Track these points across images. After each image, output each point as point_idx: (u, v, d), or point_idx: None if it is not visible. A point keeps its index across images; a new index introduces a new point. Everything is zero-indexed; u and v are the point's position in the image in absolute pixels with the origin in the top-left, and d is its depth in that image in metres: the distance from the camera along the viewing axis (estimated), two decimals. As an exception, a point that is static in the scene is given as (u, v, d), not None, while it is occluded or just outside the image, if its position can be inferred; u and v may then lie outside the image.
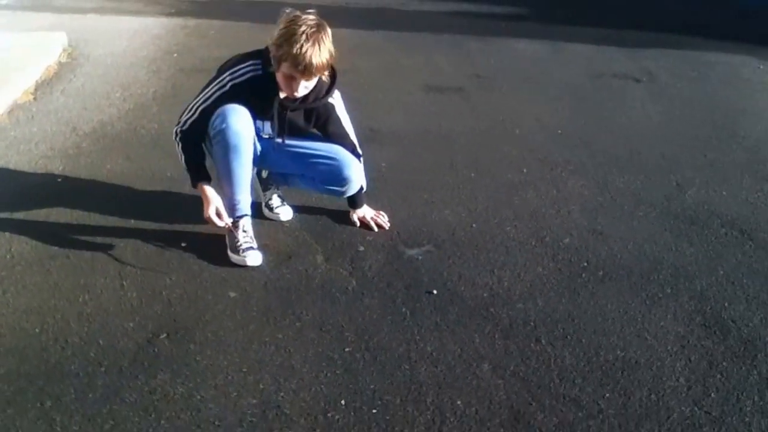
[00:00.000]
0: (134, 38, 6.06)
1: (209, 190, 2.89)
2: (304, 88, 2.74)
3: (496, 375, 2.42)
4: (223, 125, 2.79)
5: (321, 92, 2.87)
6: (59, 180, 3.60)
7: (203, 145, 2.92)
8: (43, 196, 3.43)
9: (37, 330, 2.53)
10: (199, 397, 2.27)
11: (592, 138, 4.46)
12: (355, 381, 2.36)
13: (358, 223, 3.27)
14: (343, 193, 3.10)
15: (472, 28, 6.93)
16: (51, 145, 3.93)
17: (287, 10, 2.71)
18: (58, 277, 2.82)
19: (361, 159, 3.11)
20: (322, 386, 2.34)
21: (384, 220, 3.28)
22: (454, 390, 2.35)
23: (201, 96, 2.84)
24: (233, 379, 2.34)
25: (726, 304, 2.85)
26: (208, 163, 2.95)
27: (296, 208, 3.34)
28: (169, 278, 2.84)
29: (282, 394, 2.30)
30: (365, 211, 3.26)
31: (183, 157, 2.90)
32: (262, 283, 2.84)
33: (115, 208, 3.35)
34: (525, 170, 3.96)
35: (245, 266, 2.92)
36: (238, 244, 2.92)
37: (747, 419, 2.28)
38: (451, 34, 6.69)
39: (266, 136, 2.98)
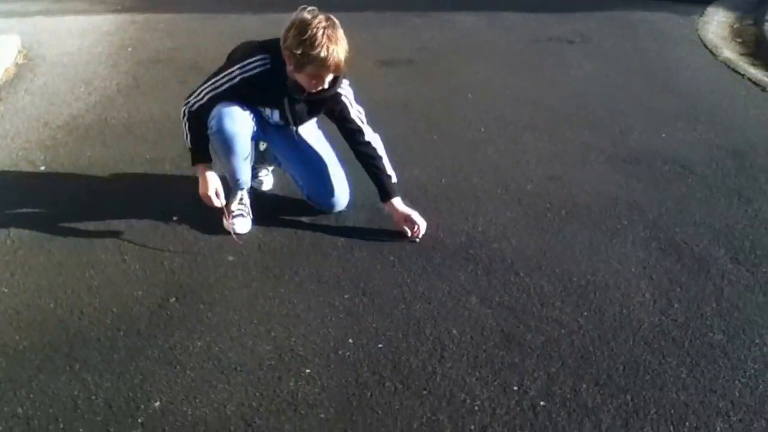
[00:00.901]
0: (86, 36, 6.12)
1: (209, 173, 3.04)
2: (328, 80, 2.84)
3: (484, 306, 2.68)
4: (218, 127, 2.92)
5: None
6: (42, 168, 3.72)
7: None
8: (30, 185, 3.57)
9: (51, 305, 2.68)
10: (217, 348, 2.46)
11: (539, 97, 4.76)
12: (358, 322, 2.59)
13: (394, 219, 3.13)
14: (324, 210, 3.28)
15: (412, 5, 7.17)
16: (27, 139, 4.04)
17: (300, 10, 2.76)
18: (60, 256, 2.96)
19: (379, 145, 3.14)
20: (329, 329, 2.56)
21: (419, 230, 3.10)
22: (448, 321, 2.59)
23: (211, 83, 2.95)
24: (246, 331, 2.55)
25: (677, 230, 3.17)
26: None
27: (275, 174, 3.54)
28: (167, 249, 3.01)
29: (293, 339, 2.51)
30: (400, 207, 3.10)
31: (189, 136, 3.03)
32: (256, 246, 3.04)
33: (102, 191, 3.51)
34: (482, 129, 4.23)
35: (236, 233, 3.09)
36: (232, 211, 3.10)
37: (708, 322, 2.59)
38: (392, 11, 6.92)
39: (274, 123, 3.11)
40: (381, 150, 3.08)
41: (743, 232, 3.14)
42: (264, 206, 3.28)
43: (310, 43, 2.64)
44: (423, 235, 3.09)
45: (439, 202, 3.37)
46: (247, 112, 2.97)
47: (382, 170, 3.07)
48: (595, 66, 5.41)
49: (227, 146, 2.96)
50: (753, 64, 5.65)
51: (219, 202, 3.04)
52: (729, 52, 5.90)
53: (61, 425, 2.14)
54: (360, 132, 3.05)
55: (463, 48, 5.88)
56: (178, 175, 3.61)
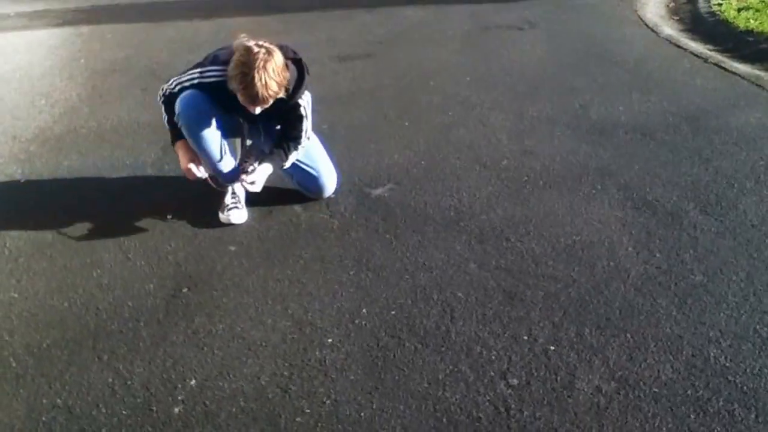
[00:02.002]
0: (33, 51, 6.15)
1: (187, 147, 3.18)
2: (259, 109, 2.96)
3: (483, 270, 2.86)
4: (179, 110, 3.05)
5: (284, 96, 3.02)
6: (22, 182, 3.77)
7: None
8: (13, 197, 3.65)
9: (66, 304, 2.77)
10: (239, 328, 2.59)
11: (498, 80, 4.99)
12: (368, 294, 2.74)
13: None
14: (315, 196, 3.41)
15: (359, 2, 7.35)
16: (-1, 154, 4.07)
17: (240, 37, 2.92)
18: (63, 260, 3.04)
19: (302, 145, 3.25)
20: (342, 302, 2.71)
21: (252, 189, 3.20)
22: (452, 286, 2.77)
23: (179, 77, 3.10)
24: (263, 311, 2.68)
25: (647, 190, 3.40)
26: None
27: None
28: (168, 245, 3.12)
29: (310, 314, 2.65)
30: (263, 169, 3.18)
31: (165, 117, 3.17)
32: (255, 235, 3.16)
33: (90, 197, 3.59)
34: (450, 113, 4.42)
35: (232, 224, 3.23)
36: (226, 204, 3.23)
37: (688, 266, 2.82)
38: (341, 9, 7.09)
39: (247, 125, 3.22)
40: (300, 147, 3.24)
41: (707, 187, 3.38)
42: (255, 197, 3.38)
43: (238, 74, 2.81)
44: (413, 214, 3.28)
45: (422, 182, 3.54)
46: (208, 99, 3.06)
47: (287, 150, 3.22)
48: (546, 49, 5.66)
49: (191, 129, 3.08)
50: (692, 39, 5.98)
51: (199, 172, 3.18)
52: (669, 30, 6.21)
53: (104, 410, 2.24)
54: (296, 139, 3.21)
55: (417, 39, 6.09)
56: (162, 177, 3.71)
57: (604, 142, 3.92)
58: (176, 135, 3.18)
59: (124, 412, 2.22)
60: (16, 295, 2.81)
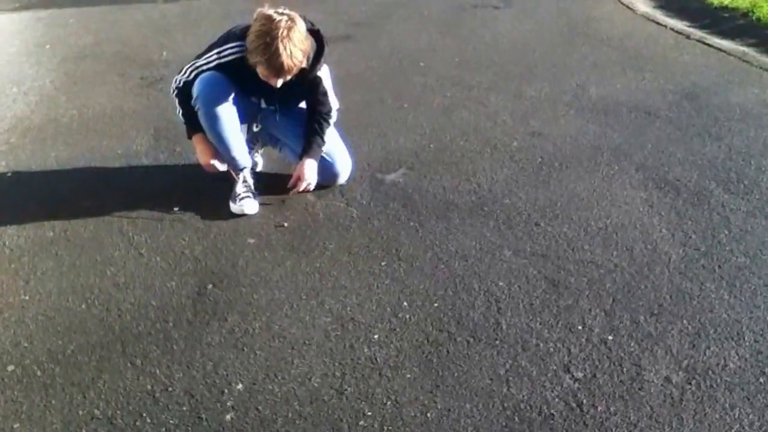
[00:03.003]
0: (-8, 38, 5.79)
1: (206, 141, 3.01)
2: (281, 81, 2.81)
3: (519, 257, 2.76)
4: (198, 93, 2.89)
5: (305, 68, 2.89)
6: (9, 175, 3.52)
7: None
8: (3, 192, 3.41)
9: (83, 306, 2.57)
10: (276, 327, 2.44)
11: (488, 60, 4.90)
12: (405, 286, 2.62)
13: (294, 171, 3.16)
14: (328, 182, 3.26)
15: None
16: (-23, 146, 3.80)
17: (262, 7, 2.73)
18: (70, 258, 2.83)
19: (333, 118, 3.17)
20: (380, 295, 2.57)
21: (299, 186, 3.14)
22: (491, 275, 2.66)
23: (194, 63, 2.93)
24: (299, 307, 2.53)
25: (666, 169, 3.35)
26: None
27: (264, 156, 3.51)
28: (181, 239, 2.94)
29: (348, 308, 2.51)
30: (310, 165, 3.13)
31: (180, 110, 3.00)
32: (272, 226, 3.00)
33: (84, 190, 3.37)
34: (448, 94, 4.30)
35: (245, 214, 3.07)
36: (237, 194, 3.05)
37: (727, 248, 2.77)
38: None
39: (263, 107, 3.10)
40: (332, 125, 3.14)
41: (725, 165, 3.35)
42: (265, 187, 3.24)
43: (259, 45, 2.65)
44: (433, 200, 3.16)
45: (435, 166, 3.43)
46: (224, 80, 2.92)
47: (321, 133, 3.11)
48: (527, 28, 5.59)
49: (210, 113, 2.92)
50: (668, 16, 5.99)
51: (222, 166, 3.03)
52: (644, 7, 6.22)
53: (148, 420, 2.07)
54: (325, 105, 3.10)
55: (395, 19, 5.96)
56: (159, 166, 3.52)
57: (610, 121, 3.85)
58: (193, 127, 3.00)
59: (171, 421, 2.06)
60: (26, 298, 2.61)
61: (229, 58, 2.84)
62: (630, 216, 2.97)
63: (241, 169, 3.08)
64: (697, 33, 5.42)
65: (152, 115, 4.10)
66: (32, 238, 2.96)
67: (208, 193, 3.17)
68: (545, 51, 5.01)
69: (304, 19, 2.77)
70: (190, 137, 3.04)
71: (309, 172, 3.07)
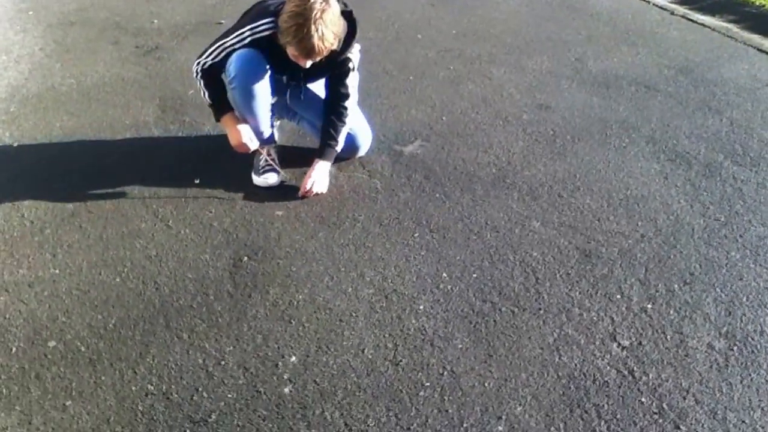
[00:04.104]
0: (-34, 3, 5.59)
1: (236, 121, 2.97)
2: (310, 63, 2.78)
3: (548, 227, 2.81)
4: (236, 72, 2.84)
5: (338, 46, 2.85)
6: (15, 145, 3.43)
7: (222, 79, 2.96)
8: (13, 164, 3.31)
9: (117, 280, 2.54)
10: (321, 299, 2.45)
11: (484, 33, 4.91)
12: (441, 257, 2.65)
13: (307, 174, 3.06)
14: (349, 155, 3.24)
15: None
16: (-23, 116, 3.69)
17: None
18: (95, 231, 2.79)
19: (351, 114, 3.10)
20: (418, 267, 2.60)
21: (311, 191, 3.03)
22: (524, 246, 2.71)
23: (222, 42, 2.86)
24: (339, 279, 2.54)
25: (675, 142, 3.43)
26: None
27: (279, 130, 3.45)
28: (208, 211, 2.92)
29: (389, 280, 2.53)
30: (322, 169, 3.07)
31: (206, 93, 2.94)
32: (299, 199, 2.99)
33: (97, 162, 3.30)
34: (451, 67, 4.31)
35: (269, 186, 3.06)
36: (261, 166, 3.04)
37: (746, 218, 2.86)
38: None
39: (286, 81, 3.06)
40: (349, 119, 3.07)
41: (729, 138, 3.44)
42: (286, 160, 3.22)
43: (296, 30, 2.60)
44: (453, 171, 3.19)
45: (451, 138, 3.45)
46: (261, 58, 2.88)
47: (335, 134, 3.06)
48: (518, 1, 5.63)
49: (247, 91, 2.88)
50: (650, -9, 6.03)
51: (254, 145, 3.00)
52: (627, -18, 6.25)
53: (205, 394, 2.07)
54: (346, 96, 3.03)
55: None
56: (171, 138, 3.48)
57: (613, 95, 3.92)
58: (222, 109, 2.97)
59: (229, 395, 2.06)
60: (56, 271, 2.56)
61: (263, 33, 2.78)
62: (648, 187, 3.04)
63: (267, 143, 3.03)
64: (680, 9, 5.52)
65: (154, 85, 4.02)
66: (52, 210, 2.90)
67: (227, 165, 3.15)
68: (539, 24, 5.05)
69: (339, 0, 2.73)
70: (218, 119, 3.00)
71: (321, 177, 3.03)
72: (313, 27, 2.57)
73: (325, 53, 2.69)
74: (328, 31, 2.61)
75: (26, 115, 3.70)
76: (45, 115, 3.69)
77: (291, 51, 2.70)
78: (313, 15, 2.57)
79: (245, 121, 2.98)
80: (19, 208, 2.90)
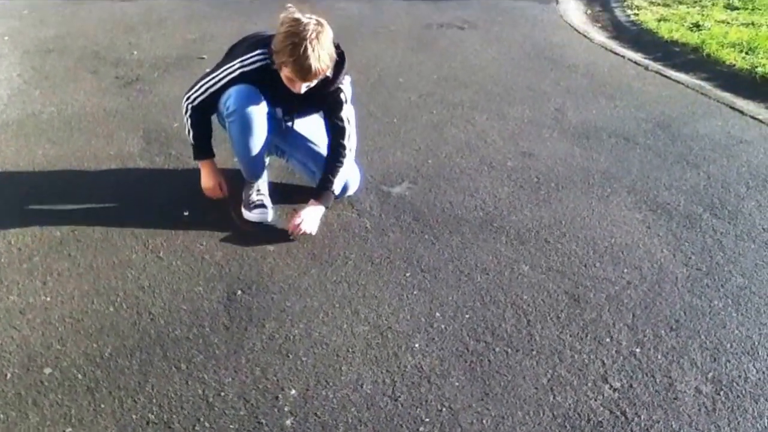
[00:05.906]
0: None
1: (212, 166, 3.07)
2: (306, 87, 2.82)
3: (536, 272, 2.88)
4: (235, 107, 2.85)
5: (328, 77, 2.90)
6: (-1, 172, 3.40)
7: (215, 117, 3.03)
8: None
9: (111, 309, 2.54)
10: (317, 334, 2.47)
11: (466, 80, 5.02)
12: (434, 296, 2.69)
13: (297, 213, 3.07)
14: (339, 194, 3.23)
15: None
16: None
17: (288, 7, 2.73)
18: (85, 259, 2.79)
19: (350, 155, 3.12)
20: (411, 305, 2.64)
21: (299, 231, 3.01)
22: (513, 289, 2.77)
23: (211, 77, 2.88)
24: (333, 315, 2.57)
25: (655, 193, 3.54)
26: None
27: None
28: (199, 244, 2.93)
29: (384, 318, 2.57)
30: (315, 211, 3.07)
31: (191, 132, 2.98)
32: (287, 235, 3.02)
33: (83, 190, 3.32)
34: (434, 111, 4.41)
35: (260, 222, 3.09)
36: (252, 201, 3.07)
37: (726, 268, 2.96)
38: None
39: (278, 117, 3.10)
40: (348, 159, 3.11)
41: (707, 191, 3.57)
42: (275, 196, 3.25)
43: (288, 45, 2.64)
44: (442, 214, 3.26)
45: (437, 181, 3.52)
46: (259, 93, 2.91)
47: (332, 177, 3.08)
48: (496, 50, 5.76)
49: (245, 125, 2.90)
50: (623, 47, 6.28)
51: (223, 193, 3.07)
52: (599, 36, 6.50)
53: (207, 424, 2.08)
54: (343, 131, 3.06)
55: (365, 34, 6.02)
56: (158, 170, 3.49)
57: (594, 146, 4.03)
58: (203, 152, 3.05)
59: (231, 426, 2.07)
60: (48, 299, 2.55)
61: (254, 65, 2.82)
62: (632, 236, 3.13)
63: (257, 179, 3.07)
64: (654, 65, 5.70)
65: (137, 117, 4.04)
66: (39, 238, 2.88)
67: (214, 199, 3.14)
68: (518, 74, 5.18)
69: None
70: (196, 159, 3.06)
71: (312, 218, 3.03)
72: (309, 46, 2.61)
73: (320, 76, 2.74)
74: (324, 53, 2.66)
75: (7, 141, 3.69)
76: (27, 141, 3.68)
77: (286, 73, 2.72)
78: (309, 35, 2.61)
79: (219, 172, 3.08)
80: (5, 235, 2.89)
